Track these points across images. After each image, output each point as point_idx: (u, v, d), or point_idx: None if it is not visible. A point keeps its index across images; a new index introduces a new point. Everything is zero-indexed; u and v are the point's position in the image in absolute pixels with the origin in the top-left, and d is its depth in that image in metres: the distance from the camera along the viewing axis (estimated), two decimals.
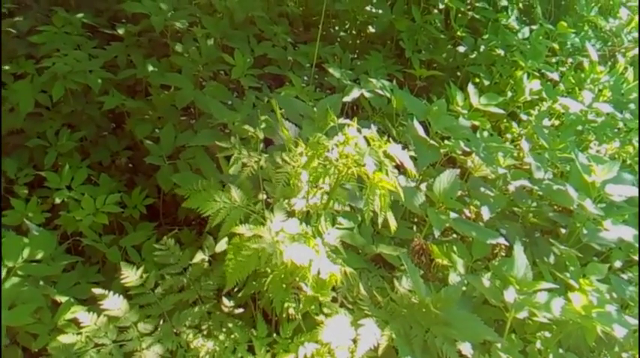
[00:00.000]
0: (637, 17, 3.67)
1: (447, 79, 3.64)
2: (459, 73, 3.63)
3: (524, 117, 3.38)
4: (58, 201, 2.57)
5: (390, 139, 1.89)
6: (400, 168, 2.11)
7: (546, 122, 3.27)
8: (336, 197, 1.91)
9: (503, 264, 2.19)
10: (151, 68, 3.08)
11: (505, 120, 3.54)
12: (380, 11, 3.59)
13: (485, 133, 2.89)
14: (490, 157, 2.54)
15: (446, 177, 2.31)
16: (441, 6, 3.67)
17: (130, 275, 2.05)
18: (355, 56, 3.74)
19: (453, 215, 2.30)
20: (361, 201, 1.85)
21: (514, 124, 3.51)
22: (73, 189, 2.61)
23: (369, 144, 1.82)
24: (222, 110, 2.58)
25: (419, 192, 2.31)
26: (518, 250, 2.10)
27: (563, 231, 2.80)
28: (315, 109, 2.43)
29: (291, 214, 1.94)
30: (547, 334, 2.25)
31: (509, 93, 3.53)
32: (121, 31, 3.24)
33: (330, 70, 2.97)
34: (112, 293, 1.97)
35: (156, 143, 2.75)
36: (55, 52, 2.84)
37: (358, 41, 3.81)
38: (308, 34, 3.68)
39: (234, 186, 1.99)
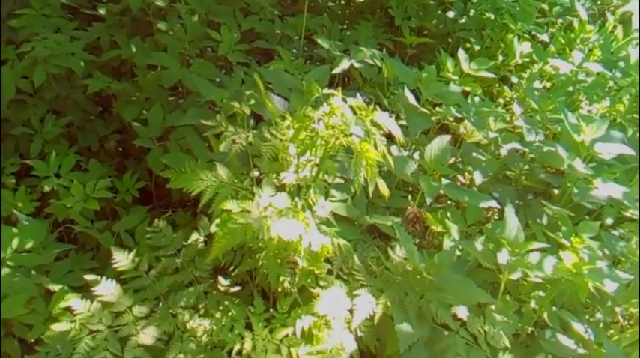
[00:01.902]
0: None
1: (438, 45, 3.60)
2: (450, 39, 3.59)
3: (515, 80, 3.35)
4: (47, 189, 2.54)
5: (378, 107, 1.86)
6: (392, 137, 2.11)
7: (537, 84, 3.25)
8: (325, 169, 1.90)
9: (496, 227, 2.18)
10: (135, 48, 3.04)
11: (497, 85, 3.52)
12: None
13: (477, 98, 2.87)
14: (481, 122, 2.52)
15: (437, 144, 2.30)
16: None
17: (122, 260, 2.04)
18: (345, 27, 3.70)
19: (445, 181, 2.30)
20: (352, 172, 1.83)
21: (506, 88, 3.49)
22: (61, 177, 2.58)
23: (355, 113, 1.80)
24: (209, 88, 2.55)
25: (411, 161, 2.30)
26: (510, 212, 2.10)
27: (555, 191, 2.80)
28: (303, 82, 2.40)
29: (281, 188, 1.93)
30: (541, 293, 2.26)
31: (501, 57, 3.50)
32: (102, 12, 3.18)
33: (319, 42, 2.93)
34: (104, 278, 1.96)
35: (144, 125, 2.72)
36: (34, 35, 2.80)
37: (348, 11, 3.76)
38: (295, 5, 3.63)
39: (222, 163, 1.98)
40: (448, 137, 2.33)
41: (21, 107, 2.87)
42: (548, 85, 3.48)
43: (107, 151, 3.06)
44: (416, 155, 2.58)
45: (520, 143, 2.59)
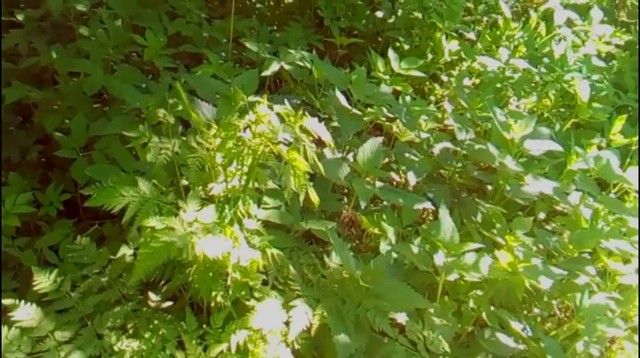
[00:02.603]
0: None
1: (369, 45, 3.53)
2: (380, 39, 3.52)
3: (445, 78, 3.31)
4: None
5: (307, 113, 1.75)
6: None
7: (467, 81, 3.22)
8: (255, 178, 1.77)
9: (431, 228, 2.12)
10: (55, 55, 2.82)
11: (428, 83, 3.48)
12: None
13: (409, 98, 2.80)
14: (413, 122, 2.45)
15: (369, 147, 2.20)
16: None
17: (43, 280, 1.85)
18: (275, 28, 3.57)
19: (379, 184, 2.21)
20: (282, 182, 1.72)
21: (437, 86, 3.45)
22: None
23: (283, 120, 1.68)
24: (134, 94, 2.37)
25: (344, 164, 2.20)
26: (444, 213, 2.03)
27: (489, 188, 2.77)
28: (231, 88, 2.25)
29: (209, 200, 1.79)
30: (479, 292, 2.22)
31: (430, 56, 3.45)
32: (20, 17, 2.95)
33: (247, 45, 2.79)
34: (22, 302, 1.78)
35: (67, 135, 2.52)
36: None
37: (277, 12, 3.63)
38: (224, 8, 3.47)
39: (148, 175, 1.83)
40: (380, 139, 2.24)
41: None
42: (478, 81, 3.46)
43: (29, 163, 2.82)
44: (350, 157, 2.48)
45: (452, 142, 2.53)
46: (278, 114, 1.65)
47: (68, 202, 2.61)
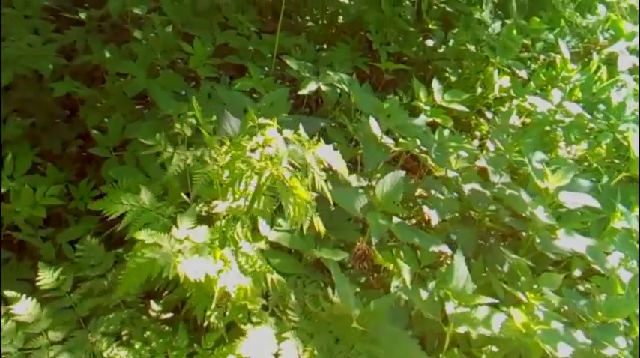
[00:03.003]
0: (614, 15, 3.41)
1: (417, 73, 3.41)
2: (430, 67, 3.38)
3: (490, 115, 3.14)
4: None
5: (322, 139, 1.66)
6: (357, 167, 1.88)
7: (515, 120, 3.03)
8: (259, 200, 1.69)
9: (446, 274, 1.97)
10: (108, 54, 2.86)
11: (474, 117, 3.31)
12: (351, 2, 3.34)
13: (447, 131, 2.65)
14: (444, 157, 2.31)
15: (390, 180, 2.08)
16: None
17: (47, 277, 1.84)
18: (324, 47, 3.50)
19: (395, 220, 2.08)
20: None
21: (484, 121, 3.28)
22: (14, 179, 2.40)
23: (298, 144, 1.60)
24: (167, 101, 2.36)
25: (361, 195, 2.08)
26: (459, 260, 1.89)
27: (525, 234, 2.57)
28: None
29: (212, 218, 1.73)
30: (494, 348, 2.04)
31: (480, 90, 3.29)
32: (82, 16, 3.02)
33: (288, 62, 2.73)
34: (24, 296, 1.77)
35: (104, 133, 2.54)
36: (11, 36, 2.63)
37: (328, 32, 3.56)
38: (276, 23, 3.43)
39: (157, 186, 1.78)
40: (402, 173, 2.11)
41: None
42: (528, 121, 3.27)
43: (69, 156, 2.86)
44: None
45: (481, 184, 2.36)
46: (287, 139, 1.57)
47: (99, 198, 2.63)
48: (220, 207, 1.67)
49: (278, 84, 2.81)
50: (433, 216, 2.20)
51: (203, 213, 1.78)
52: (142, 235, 1.51)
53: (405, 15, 3.36)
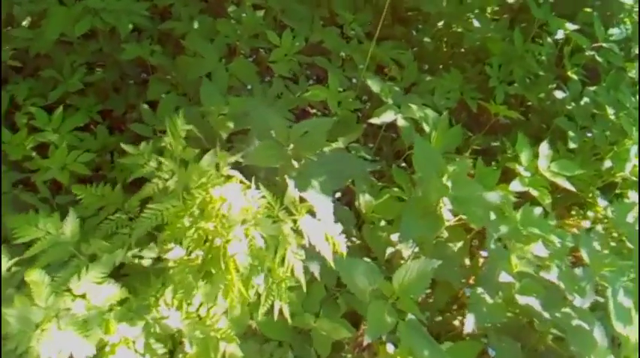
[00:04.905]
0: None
1: (536, 125, 2.80)
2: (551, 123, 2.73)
3: (603, 202, 2.45)
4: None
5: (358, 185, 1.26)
6: None
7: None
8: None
9: None
10: (197, 26, 2.63)
11: (590, 195, 2.63)
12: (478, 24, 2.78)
13: (538, 210, 2.08)
14: (502, 254, 1.76)
15: (417, 266, 1.59)
16: (559, 36, 2.76)
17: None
18: (440, 67, 2.99)
19: (410, 316, 1.59)
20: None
21: (601, 202, 2.58)
22: (59, 133, 2.27)
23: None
24: (211, 96, 2.06)
25: (376, 272, 1.61)
26: None
27: None
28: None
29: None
30: None
31: (608, 163, 2.60)
32: None
33: (369, 82, 2.29)
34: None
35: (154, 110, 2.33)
36: None
37: (449, 53, 3.03)
38: (391, 30, 2.98)
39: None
40: (436, 264, 1.60)
41: (64, 51, 2.59)
42: None
43: (128, 120, 2.70)
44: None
45: (543, 301, 1.76)
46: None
47: None
48: (174, 253, 1.31)
49: (355, 101, 2.39)
50: (468, 322, 1.68)
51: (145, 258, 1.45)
52: (34, 276, 1.21)
53: (540, 54, 2.73)
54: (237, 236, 1.13)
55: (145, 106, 2.31)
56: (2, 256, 1.45)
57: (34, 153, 2.23)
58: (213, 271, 1.24)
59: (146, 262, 1.48)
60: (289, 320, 1.34)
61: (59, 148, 2.20)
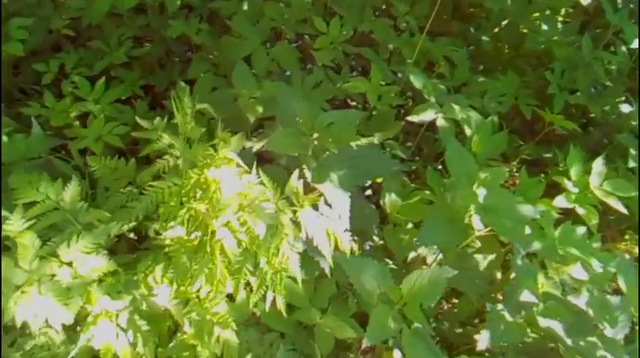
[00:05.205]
0: None
1: (599, 139, 2.57)
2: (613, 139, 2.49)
3: None
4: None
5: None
6: None
7: None
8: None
9: None
10: (245, 7, 2.58)
11: None
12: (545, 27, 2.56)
13: (582, 230, 1.88)
14: (530, 271, 1.58)
15: (430, 273, 1.45)
16: (635, 45, 2.50)
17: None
18: (498, 69, 2.80)
19: (417, 324, 1.46)
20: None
21: None
22: (99, 104, 2.29)
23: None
24: (244, 78, 2.00)
25: (385, 273, 1.48)
26: None
27: None
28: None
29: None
30: None
31: None
32: None
33: (412, 77, 2.15)
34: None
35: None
36: None
37: (509, 55, 2.83)
38: (448, 25, 2.81)
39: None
40: (451, 273, 1.45)
41: (114, 23, 2.61)
42: None
43: (170, 97, 2.69)
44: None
45: (566, 326, 1.57)
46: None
47: None
48: (172, 232, 1.26)
49: (397, 96, 2.26)
50: (482, 339, 1.54)
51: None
52: (24, 238, 1.18)
53: (610, 63, 2.49)
54: (227, 220, 1.06)
55: (182, 84, 2.28)
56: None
57: (76, 122, 2.27)
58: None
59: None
60: (284, 313, 1.25)
61: (97, 119, 2.21)
